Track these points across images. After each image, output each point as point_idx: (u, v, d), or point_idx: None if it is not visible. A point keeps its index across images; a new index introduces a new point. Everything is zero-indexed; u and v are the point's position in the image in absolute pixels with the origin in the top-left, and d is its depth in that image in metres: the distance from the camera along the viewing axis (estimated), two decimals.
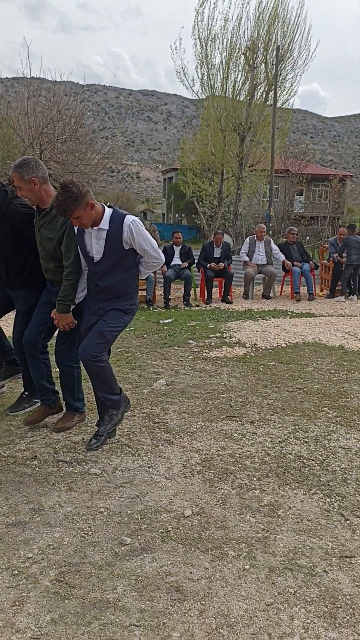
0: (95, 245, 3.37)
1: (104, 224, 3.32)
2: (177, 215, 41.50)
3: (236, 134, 22.79)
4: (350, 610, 2.14)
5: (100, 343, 3.42)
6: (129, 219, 3.32)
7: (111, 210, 3.37)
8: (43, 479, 3.14)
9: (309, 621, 2.09)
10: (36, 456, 3.42)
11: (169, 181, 45.14)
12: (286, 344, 6.35)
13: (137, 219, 3.36)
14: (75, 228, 3.45)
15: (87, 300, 3.61)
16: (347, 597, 2.22)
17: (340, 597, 2.21)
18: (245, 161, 22.91)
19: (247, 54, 22.32)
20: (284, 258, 10.53)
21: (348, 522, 2.75)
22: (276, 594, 2.23)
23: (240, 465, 3.33)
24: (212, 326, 7.36)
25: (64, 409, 4.02)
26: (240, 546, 2.54)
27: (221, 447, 3.57)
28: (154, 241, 3.45)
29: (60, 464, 3.33)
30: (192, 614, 2.11)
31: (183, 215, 39.61)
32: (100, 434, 3.58)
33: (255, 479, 3.17)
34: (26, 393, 4.25)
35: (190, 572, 2.35)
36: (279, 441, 3.67)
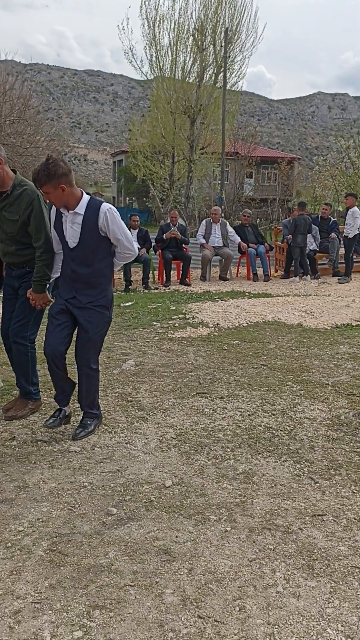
0: (70, 229, 3.38)
1: (80, 208, 3.35)
2: (127, 198, 41.24)
3: (186, 117, 22.81)
4: (326, 561, 2.34)
5: (96, 350, 3.55)
6: (106, 206, 3.36)
7: (89, 197, 3.40)
8: (24, 458, 3.22)
9: (289, 573, 2.27)
10: (14, 437, 3.50)
11: (118, 164, 44.73)
12: (247, 323, 6.56)
13: (113, 207, 3.41)
14: (53, 214, 3.49)
15: (61, 284, 3.61)
16: (322, 550, 2.42)
17: (315, 551, 2.41)
18: (196, 144, 22.98)
19: (196, 35, 22.30)
20: (239, 240, 10.75)
21: (317, 484, 2.96)
22: (257, 550, 2.41)
23: (213, 438, 3.49)
24: (174, 308, 7.50)
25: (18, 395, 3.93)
26: (221, 511, 2.71)
27: (194, 422, 3.73)
28: (129, 232, 3.49)
29: (39, 444, 3.41)
30: (182, 573, 2.26)
31: (134, 198, 39.41)
32: (81, 436, 3.52)
33: (229, 449, 3.34)
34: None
35: (176, 536, 2.50)
36: (248, 414, 3.86)
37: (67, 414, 3.67)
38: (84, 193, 3.41)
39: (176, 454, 3.28)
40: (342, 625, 1.98)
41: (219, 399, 4.13)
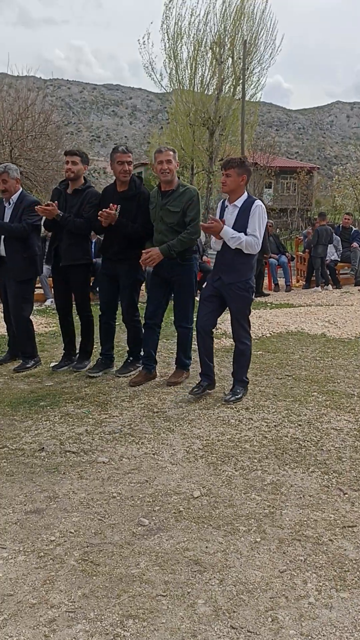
0: (229, 218, 4.11)
1: (239, 202, 4.12)
2: None
3: (205, 128, 22.97)
4: (358, 573, 2.33)
5: (244, 327, 4.34)
6: (258, 202, 4.11)
7: (247, 195, 4.15)
8: (53, 469, 3.26)
9: (320, 584, 2.27)
10: (43, 448, 3.54)
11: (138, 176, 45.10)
12: (270, 333, 6.56)
13: (264, 206, 4.15)
14: (219, 207, 4.30)
15: (213, 269, 4.38)
16: (354, 561, 2.41)
17: (347, 562, 2.40)
18: (215, 155, 23.11)
19: (214, 48, 22.49)
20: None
21: (347, 495, 2.95)
22: (288, 562, 2.41)
23: (240, 449, 3.50)
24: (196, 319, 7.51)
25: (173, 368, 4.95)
26: (250, 521, 2.71)
27: (220, 433, 3.74)
28: (262, 232, 4.11)
29: (67, 454, 3.46)
30: (213, 583, 2.27)
31: None
32: (231, 400, 4.27)
33: (255, 460, 3.35)
34: (131, 358, 5.08)
35: (206, 547, 2.52)
36: (275, 425, 3.86)
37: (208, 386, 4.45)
38: (247, 192, 4.18)
39: (203, 465, 3.30)
40: None
41: (244, 410, 4.14)
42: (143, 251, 4.48)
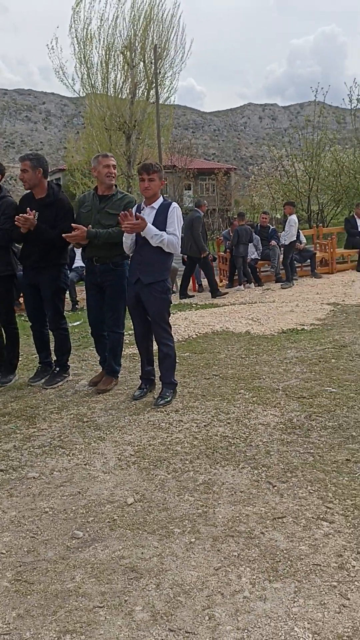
0: (147, 219, 4.15)
1: (156, 204, 4.28)
2: None
3: (122, 133, 22.93)
4: (289, 562, 2.41)
5: (165, 330, 4.39)
6: (175, 204, 4.31)
7: (162, 198, 4.34)
8: None
9: (254, 577, 2.33)
10: None
11: (56, 182, 44.35)
12: (196, 334, 6.64)
13: (179, 207, 4.33)
14: (135, 210, 4.31)
15: (130, 271, 4.43)
16: (284, 551, 2.49)
17: (278, 553, 2.48)
18: (133, 159, 23.13)
19: (125, 52, 22.50)
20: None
21: (276, 488, 3.04)
22: (222, 559, 2.46)
23: (172, 452, 3.53)
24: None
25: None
26: (184, 523, 2.74)
27: (151, 437, 3.76)
28: (180, 232, 4.27)
29: None
30: (150, 589, 2.29)
31: None
32: (161, 404, 4.31)
33: (187, 462, 3.38)
34: (57, 369, 5.08)
35: (142, 553, 2.52)
36: (204, 425, 3.92)
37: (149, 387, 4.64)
38: (162, 195, 4.36)
39: (136, 471, 3.30)
40: (308, 623, 2.05)
41: (174, 412, 4.17)
42: (73, 224, 4.44)
